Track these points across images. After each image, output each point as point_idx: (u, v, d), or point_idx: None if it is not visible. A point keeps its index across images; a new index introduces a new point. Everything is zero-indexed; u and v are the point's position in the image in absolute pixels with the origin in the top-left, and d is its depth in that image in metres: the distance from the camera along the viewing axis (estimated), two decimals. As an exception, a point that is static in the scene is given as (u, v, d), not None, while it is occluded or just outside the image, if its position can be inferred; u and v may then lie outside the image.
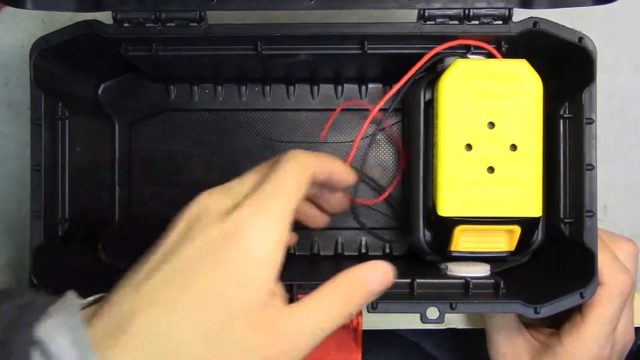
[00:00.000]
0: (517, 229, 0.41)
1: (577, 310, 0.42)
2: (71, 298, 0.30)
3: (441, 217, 0.40)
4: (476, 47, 0.41)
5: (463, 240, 0.41)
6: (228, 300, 0.29)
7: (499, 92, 0.39)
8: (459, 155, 0.40)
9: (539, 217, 0.41)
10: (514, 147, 0.40)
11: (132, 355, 0.27)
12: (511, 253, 0.42)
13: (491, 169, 0.40)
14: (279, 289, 0.31)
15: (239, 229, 0.30)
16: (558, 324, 0.44)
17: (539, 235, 0.43)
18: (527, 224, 0.41)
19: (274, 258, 0.30)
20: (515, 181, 0.40)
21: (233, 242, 0.30)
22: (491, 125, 0.40)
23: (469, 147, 0.40)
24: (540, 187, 0.40)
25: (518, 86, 0.40)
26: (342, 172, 0.38)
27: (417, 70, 0.41)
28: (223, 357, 0.29)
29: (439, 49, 0.41)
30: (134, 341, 0.28)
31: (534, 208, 0.40)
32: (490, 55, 0.42)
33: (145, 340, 0.28)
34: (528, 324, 0.46)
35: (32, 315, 0.27)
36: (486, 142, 0.40)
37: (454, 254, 0.42)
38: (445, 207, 0.40)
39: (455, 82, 0.40)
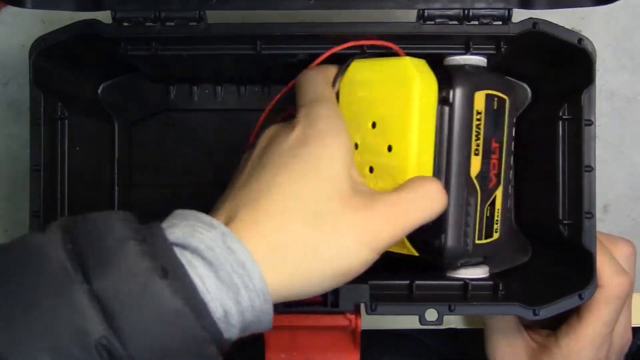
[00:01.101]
0: None
1: (574, 312, 0.43)
2: (180, 210, 0.31)
3: None
4: (475, 46, 0.41)
5: None
6: (317, 190, 0.32)
7: (382, 92, 0.38)
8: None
9: None
10: (390, 148, 0.38)
11: (262, 239, 0.30)
12: (420, 257, 0.39)
13: (371, 169, 0.39)
14: (357, 177, 0.34)
15: (305, 133, 0.34)
16: (555, 325, 0.44)
17: (447, 241, 0.38)
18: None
19: (342, 149, 0.33)
20: (389, 183, 0.37)
21: (307, 143, 0.33)
22: (374, 125, 0.38)
23: (356, 146, 0.39)
24: None
25: (398, 85, 0.38)
26: None
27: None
28: (332, 238, 0.31)
29: (335, 49, 0.40)
30: (259, 238, 0.30)
31: None
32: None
33: (269, 238, 0.30)
34: (526, 325, 0.46)
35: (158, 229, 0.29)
36: (369, 142, 0.39)
37: None
38: None
39: (350, 82, 0.39)
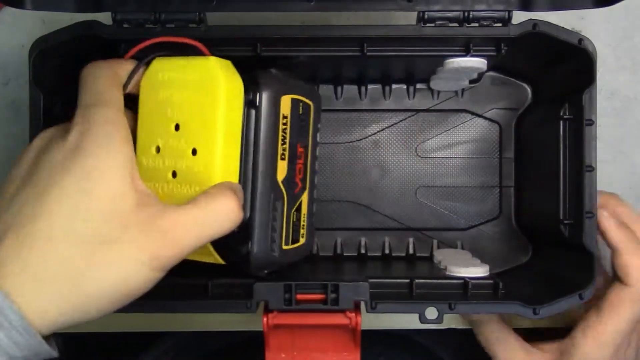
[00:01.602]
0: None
1: (593, 311, 0.42)
2: None
3: None
4: (476, 47, 0.41)
5: None
6: (91, 210, 0.30)
7: (185, 93, 0.36)
8: (148, 157, 0.37)
9: None
10: (194, 152, 0.36)
11: (22, 278, 0.28)
12: (229, 266, 0.39)
13: (174, 174, 0.36)
14: (143, 190, 0.32)
15: (78, 143, 0.31)
16: (558, 336, 0.44)
17: (253, 248, 0.38)
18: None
19: (120, 161, 0.31)
20: (193, 189, 0.36)
21: (81, 153, 0.31)
22: (177, 127, 0.36)
23: (157, 149, 0.37)
24: None
25: (202, 86, 0.36)
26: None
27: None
28: (107, 261, 0.29)
29: (141, 46, 0.38)
30: (17, 264, 0.29)
31: None
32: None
33: (27, 262, 0.29)
34: (531, 342, 0.46)
35: None
36: (171, 145, 0.36)
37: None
38: None
39: (151, 82, 0.37)
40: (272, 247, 0.39)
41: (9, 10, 0.52)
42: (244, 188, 0.37)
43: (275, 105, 0.38)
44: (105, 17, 0.39)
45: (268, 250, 0.39)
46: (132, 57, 0.38)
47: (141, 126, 0.37)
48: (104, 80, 0.35)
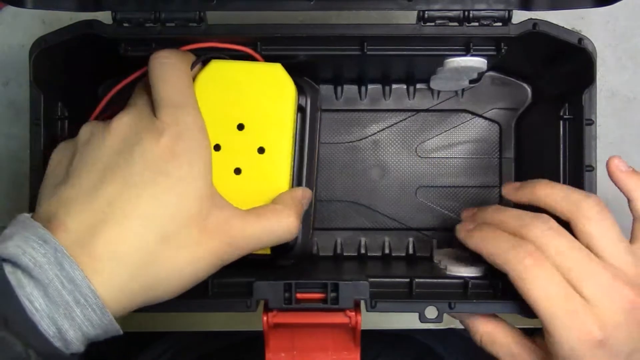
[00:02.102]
0: None
1: None
2: (25, 216, 0.32)
3: None
4: (476, 47, 0.41)
5: None
6: (173, 211, 0.32)
7: (251, 95, 0.40)
8: None
9: None
10: (261, 150, 0.39)
11: (103, 261, 0.30)
12: (271, 256, 0.41)
13: (238, 171, 0.39)
14: (216, 192, 0.35)
15: (173, 148, 0.33)
16: None
17: (299, 239, 0.42)
18: None
19: (208, 168, 0.34)
20: (260, 184, 0.39)
21: (175, 158, 0.33)
22: (240, 127, 0.39)
23: (217, 147, 0.39)
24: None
25: (269, 90, 0.40)
26: None
27: None
28: (181, 257, 0.32)
29: (197, 45, 0.40)
30: (101, 248, 0.31)
31: None
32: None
33: (111, 247, 0.31)
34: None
35: None
36: (235, 144, 0.39)
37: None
38: None
39: (207, 83, 0.39)
40: (308, 237, 0.44)
41: (9, 10, 0.52)
42: (294, 183, 0.41)
43: (315, 109, 0.43)
44: (105, 17, 0.39)
45: (307, 240, 0.43)
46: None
47: None
48: (185, 76, 0.37)
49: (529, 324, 0.51)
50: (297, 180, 0.42)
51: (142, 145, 0.33)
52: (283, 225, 0.36)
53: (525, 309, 0.37)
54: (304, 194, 0.39)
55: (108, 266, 0.30)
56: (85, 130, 0.36)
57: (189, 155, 0.33)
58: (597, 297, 0.35)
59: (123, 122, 0.35)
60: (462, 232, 0.41)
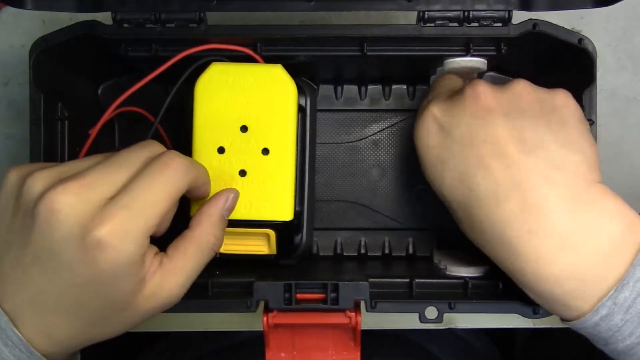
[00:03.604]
0: (272, 233, 0.41)
1: None
2: None
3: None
4: (476, 47, 0.41)
5: (224, 242, 0.41)
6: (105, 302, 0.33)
7: (253, 97, 0.40)
8: (211, 158, 0.40)
9: (290, 221, 0.41)
10: (266, 151, 0.40)
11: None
12: (276, 256, 0.42)
13: (243, 172, 0.40)
14: (146, 264, 0.33)
15: (99, 248, 0.31)
16: None
17: (303, 239, 0.43)
18: (279, 228, 0.41)
19: (135, 268, 0.33)
20: (266, 185, 0.40)
21: (96, 259, 0.31)
22: (244, 128, 0.40)
23: (221, 150, 0.40)
24: (292, 192, 0.41)
25: (271, 91, 0.40)
26: (207, 187, 0.38)
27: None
28: (112, 323, 0.34)
29: (194, 50, 0.40)
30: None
31: (284, 212, 0.41)
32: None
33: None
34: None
35: None
36: (239, 145, 0.40)
37: (218, 256, 0.41)
38: (197, 209, 0.39)
39: (209, 86, 0.40)
40: (312, 237, 0.44)
41: (9, 10, 0.52)
42: (297, 183, 0.41)
43: (314, 109, 0.43)
44: (105, 17, 0.39)
45: (310, 239, 0.44)
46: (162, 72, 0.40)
47: (201, 128, 0.40)
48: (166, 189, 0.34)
49: (529, 324, 0.52)
50: (299, 180, 0.42)
51: None
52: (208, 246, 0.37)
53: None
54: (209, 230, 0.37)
55: (27, 309, 0.32)
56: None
57: None
58: None
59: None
60: None
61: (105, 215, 0.31)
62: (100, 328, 0.34)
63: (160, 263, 0.34)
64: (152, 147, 0.35)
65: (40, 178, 0.32)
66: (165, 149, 0.35)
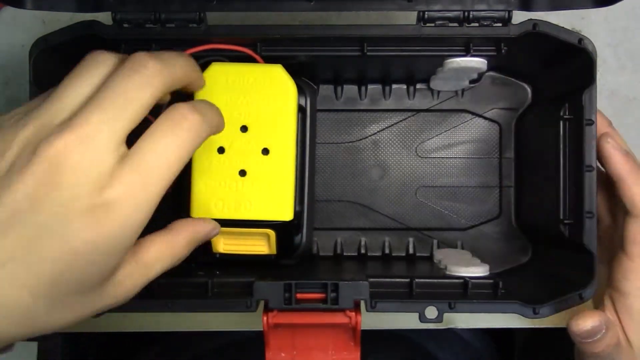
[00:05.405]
0: (272, 233, 0.41)
1: (620, 250, 0.41)
2: None
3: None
4: (476, 47, 0.41)
5: (224, 242, 0.42)
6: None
7: (253, 97, 0.40)
8: (211, 158, 0.40)
9: (290, 221, 0.41)
10: (266, 151, 0.40)
11: None
12: (276, 256, 0.42)
13: (243, 172, 0.40)
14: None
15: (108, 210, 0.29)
16: None
17: (303, 239, 0.43)
18: (279, 228, 0.41)
19: (129, 242, 0.30)
20: (266, 185, 0.40)
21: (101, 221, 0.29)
22: (244, 128, 0.40)
23: (221, 150, 0.40)
24: (292, 192, 0.41)
25: (271, 91, 0.40)
26: (197, 79, 0.36)
27: None
28: (74, 307, 0.30)
29: (197, 49, 0.39)
30: None
31: (284, 212, 0.41)
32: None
33: None
34: None
35: None
36: (238, 145, 0.40)
37: (218, 256, 0.42)
38: (197, 209, 0.40)
39: (209, 86, 0.40)
40: (312, 237, 0.44)
41: (9, 10, 0.52)
42: (297, 183, 0.42)
43: (314, 109, 0.43)
44: (105, 17, 0.39)
45: (310, 239, 0.44)
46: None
47: None
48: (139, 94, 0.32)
49: (529, 324, 0.52)
50: (299, 180, 0.42)
51: None
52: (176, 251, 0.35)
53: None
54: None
55: None
56: None
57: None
58: None
59: None
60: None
61: (117, 176, 0.29)
62: (59, 313, 0.30)
63: (134, 253, 0.32)
64: (106, 60, 0.32)
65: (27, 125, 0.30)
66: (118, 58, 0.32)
